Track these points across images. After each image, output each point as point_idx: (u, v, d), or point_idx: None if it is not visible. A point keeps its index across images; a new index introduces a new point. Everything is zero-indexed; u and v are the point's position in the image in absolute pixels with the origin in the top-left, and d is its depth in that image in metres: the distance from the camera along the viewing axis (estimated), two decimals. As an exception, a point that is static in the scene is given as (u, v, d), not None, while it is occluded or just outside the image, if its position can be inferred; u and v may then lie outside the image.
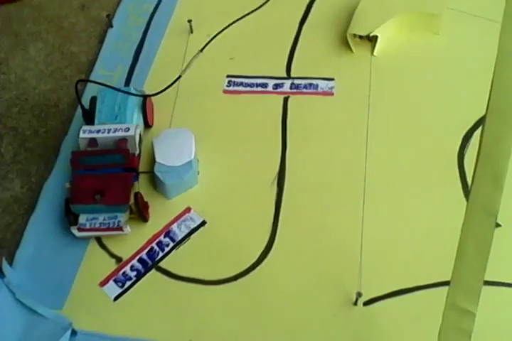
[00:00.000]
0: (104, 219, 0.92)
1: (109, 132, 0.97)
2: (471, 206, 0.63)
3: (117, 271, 0.93)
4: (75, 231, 0.92)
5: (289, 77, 1.13)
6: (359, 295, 0.86)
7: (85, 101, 1.04)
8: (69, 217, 0.94)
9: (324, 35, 1.17)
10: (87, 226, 0.92)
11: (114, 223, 0.92)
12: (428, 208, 0.94)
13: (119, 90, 1.02)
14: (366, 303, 0.88)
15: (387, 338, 0.85)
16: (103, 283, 0.92)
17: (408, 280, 0.89)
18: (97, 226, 0.92)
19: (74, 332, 0.86)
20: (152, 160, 0.99)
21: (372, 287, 0.88)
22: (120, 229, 0.92)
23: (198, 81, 1.12)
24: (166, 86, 1.06)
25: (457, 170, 0.98)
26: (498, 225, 0.91)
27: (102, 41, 1.23)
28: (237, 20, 1.22)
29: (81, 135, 0.97)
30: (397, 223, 0.94)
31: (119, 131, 0.97)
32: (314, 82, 1.11)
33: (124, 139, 0.96)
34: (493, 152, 0.60)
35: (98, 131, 0.97)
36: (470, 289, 0.66)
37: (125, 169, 0.95)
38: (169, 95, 1.09)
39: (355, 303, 0.87)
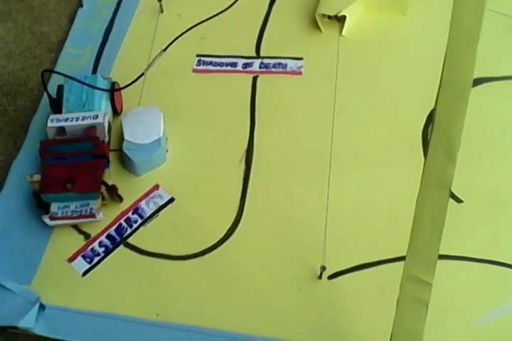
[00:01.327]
0: (76, 207, 0.92)
1: (77, 120, 0.96)
2: (426, 179, 0.65)
3: (86, 247, 0.94)
4: (46, 220, 0.92)
5: (258, 56, 1.13)
6: (323, 269, 0.88)
7: (53, 88, 1.03)
8: (40, 208, 0.93)
9: (293, 15, 1.18)
10: (59, 215, 0.91)
11: (86, 210, 0.92)
12: (392, 184, 0.96)
13: (84, 83, 1.00)
14: (331, 277, 0.90)
15: (350, 310, 0.87)
16: (71, 259, 0.93)
17: (372, 255, 0.91)
18: (69, 214, 0.92)
19: (42, 307, 0.87)
20: (121, 138, 0.99)
21: (336, 261, 0.90)
22: (93, 216, 0.92)
23: (168, 60, 1.12)
24: (134, 78, 1.04)
25: (421, 148, 1.00)
26: (460, 201, 0.94)
27: (72, 21, 1.23)
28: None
29: (49, 124, 0.96)
30: (361, 199, 0.96)
31: (87, 118, 0.96)
32: (283, 61, 1.12)
33: (92, 127, 0.96)
34: (446, 126, 0.61)
35: (66, 120, 0.96)
36: (426, 260, 0.68)
37: (95, 156, 0.94)
38: (138, 74, 1.08)
39: (320, 277, 0.89)
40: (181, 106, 1.05)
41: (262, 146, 1.02)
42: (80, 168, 0.92)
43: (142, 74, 0.99)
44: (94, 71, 1.12)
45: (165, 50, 0.99)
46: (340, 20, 1.14)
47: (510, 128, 1.03)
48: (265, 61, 1.12)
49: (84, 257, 0.93)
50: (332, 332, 0.86)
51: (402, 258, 0.86)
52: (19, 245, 0.94)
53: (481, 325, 0.86)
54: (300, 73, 1.10)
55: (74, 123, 0.95)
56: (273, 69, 1.11)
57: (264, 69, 1.11)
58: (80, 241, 0.94)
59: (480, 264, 0.91)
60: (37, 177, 0.92)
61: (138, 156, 0.95)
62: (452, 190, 0.89)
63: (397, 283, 0.71)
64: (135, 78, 1.01)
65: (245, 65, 1.12)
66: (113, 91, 1.02)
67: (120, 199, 0.95)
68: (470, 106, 1.03)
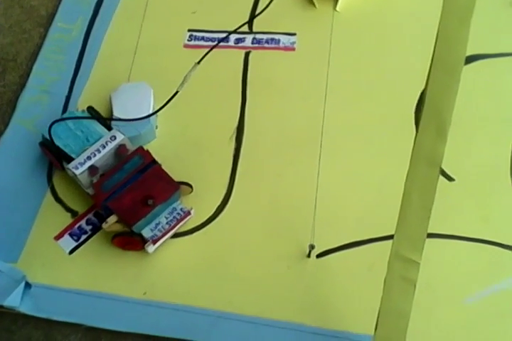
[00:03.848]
0: (167, 218, 0.87)
1: (100, 151, 0.88)
2: (415, 157, 0.64)
3: (73, 224, 0.93)
4: (150, 248, 0.86)
5: (251, 31, 1.11)
6: (312, 247, 0.87)
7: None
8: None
9: (287, -10, 1.15)
10: (159, 234, 0.86)
11: (178, 214, 0.88)
12: (383, 162, 0.95)
13: (69, 118, 0.92)
14: (319, 255, 0.89)
15: (339, 289, 0.87)
16: (58, 237, 0.92)
17: (361, 233, 0.90)
18: (166, 227, 0.86)
19: (28, 285, 0.86)
20: (110, 114, 0.98)
21: (325, 240, 0.89)
22: (188, 213, 0.88)
23: (159, 35, 1.10)
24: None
25: (414, 126, 0.98)
26: (452, 179, 0.93)
27: (62, -6, 1.20)
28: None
29: (77, 172, 0.86)
30: (351, 177, 0.95)
31: (108, 144, 0.89)
32: (276, 37, 1.10)
33: (121, 146, 0.89)
34: (438, 103, 0.60)
35: (89, 158, 0.87)
36: (414, 239, 0.67)
37: (147, 166, 0.87)
38: (128, 49, 1.07)
39: (309, 255, 0.88)
40: (172, 82, 1.02)
41: (252, 123, 1.01)
42: (145, 182, 0.86)
43: (177, 92, 0.94)
44: (84, 46, 1.10)
45: (199, 62, 0.95)
46: (335, -5, 1.12)
47: (504, 106, 1.01)
48: (258, 36, 1.10)
49: (71, 235, 0.92)
50: (321, 311, 0.85)
51: (392, 237, 0.86)
52: (5, 223, 0.93)
53: (469, 303, 0.85)
54: (293, 49, 1.08)
55: (100, 155, 0.88)
56: (266, 45, 1.09)
57: (256, 45, 1.09)
58: (67, 218, 0.93)
59: (470, 243, 0.90)
60: (113, 219, 0.85)
61: (127, 132, 0.93)
62: (444, 168, 0.89)
63: (386, 261, 0.70)
64: (170, 97, 0.95)
65: (237, 41, 1.10)
66: (107, 119, 0.96)
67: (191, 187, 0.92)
68: (464, 84, 1.02)
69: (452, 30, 0.61)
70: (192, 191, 0.93)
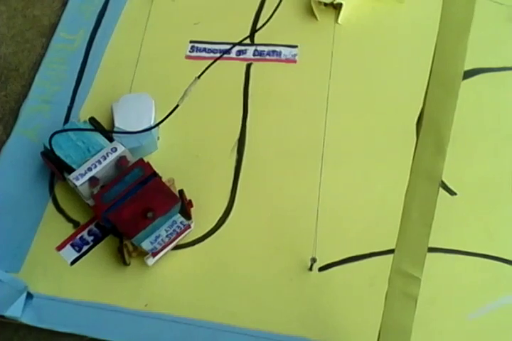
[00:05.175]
0: (167, 231, 0.87)
1: (100, 163, 0.88)
2: (415, 172, 0.64)
3: (75, 235, 0.93)
4: (149, 261, 0.87)
5: (252, 43, 1.12)
6: (313, 260, 0.87)
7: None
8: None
9: (289, 2, 1.15)
10: (158, 247, 0.86)
11: (178, 227, 0.88)
12: (385, 175, 0.95)
13: (69, 130, 0.92)
14: (321, 269, 0.89)
15: (341, 302, 0.87)
16: (60, 248, 0.92)
17: (363, 247, 0.91)
18: (166, 240, 0.86)
19: (30, 296, 0.86)
20: (111, 124, 0.98)
21: (327, 253, 0.90)
22: (188, 227, 0.88)
23: (161, 46, 1.11)
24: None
25: (415, 140, 0.98)
26: (454, 193, 0.94)
27: (65, 4, 1.20)
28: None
29: (77, 183, 0.86)
30: (353, 190, 0.95)
31: (108, 155, 0.89)
32: (278, 49, 1.10)
33: (122, 157, 0.90)
34: (436, 118, 0.60)
35: (89, 169, 0.87)
36: (415, 254, 0.67)
37: (148, 178, 0.87)
38: (130, 59, 1.08)
39: (311, 269, 0.88)
40: (173, 93, 1.03)
41: (254, 135, 1.01)
42: (145, 195, 0.86)
43: (177, 106, 0.94)
44: (86, 56, 1.11)
45: (199, 77, 0.96)
46: (337, 7, 1.12)
47: (507, 120, 1.02)
48: (259, 48, 1.11)
49: (72, 245, 0.92)
50: (322, 324, 0.85)
51: (393, 251, 0.86)
52: (7, 233, 0.93)
53: (473, 319, 0.85)
54: (294, 61, 1.09)
55: (100, 167, 0.88)
56: (267, 57, 1.10)
57: (258, 57, 1.10)
58: (68, 229, 0.93)
59: (473, 258, 0.90)
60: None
61: (128, 144, 0.94)
62: (446, 182, 0.90)
63: (388, 276, 0.71)
64: (170, 111, 0.95)
65: (239, 52, 1.10)
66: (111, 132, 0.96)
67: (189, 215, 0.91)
68: (467, 97, 1.03)
69: (450, 45, 0.62)
70: (192, 206, 0.93)
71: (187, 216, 0.90)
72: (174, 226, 0.88)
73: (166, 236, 0.87)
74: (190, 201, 0.92)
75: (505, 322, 0.86)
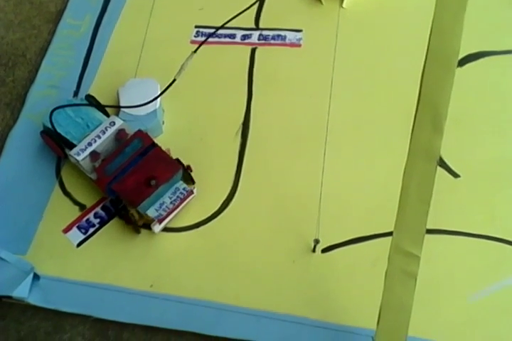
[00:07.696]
0: (171, 198, 0.89)
1: (100, 137, 0.90)
2: (412, 151, 0.64)
3: (81, 217, 0.94)
4: (156, 227, 0.89)
5: (257, 28, 1.12)
6: (316, 242, 0.88)
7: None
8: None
9: (294, -13, 1.16)
10: (164, 214, 0.88)
11: (181, 193, 0.89)
12: (387, 159, 0.95)
13: (69, 105, 0.93)
14: (324, 250, 0.90)
15: (344, 283, 0.88)
16: (66, 230, 0.93)
17: (366, 229, 0.91)
18: (170, 207, 0.88)
19: (37, 277, 0.88)
20: (117, 109, 0.99)
21: (330, 235, 0.90)
22: (191, 192, 0.90)
23: (166, 31, 1.11)
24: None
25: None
26: (457, 176, 0.94)
27: (71, -10, 1.21)
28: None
29: (79, 158, 0.88)
30: (356, 173, 0.96)
31: (107, 129, 0.90)
32: (282, 33, 1.11)
33: (121, 131, 0.91)
34: (433, 95, 0.60)
35: (90, 144, 0.89)
36: (413, 233, 0.68)
37: (147, 149, 0.89)
38: (135, 45, 1.08)
39: (314, 250, 0.89)
40: (178, 78, 1.04)
41: (258, 119, 1.02)
42: (147, 164, 0.87)
43: (174, 80, 0.94)
44: (92, 42, 1.11)
45: (195, 51, 0.96)
46: (341, -9, 1.12)
47: (510, 103, 1.02)
48: (264, 33, 1.11)
49: (79, 228, 0.93)
50: (324, 305, 0.86)
51: (396, 232, 0.87)
52: (14, 216, 0.94)
53: (474, 301, 0.86)
54: (299, 45, 1.09)
55: (100, 141, 0.90)
56: (272, 41, 1.10)
57: (262, 41, 1.10)
58: (75, 211, 0.94)
59: (475, 239, 0.90)
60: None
61: (133, 128, 0.94)
62: (449, 164, 0.90)
63: (390, 256, 0.72)
64: (167, 85, 0.95)
65: (244, 37, 1.11)
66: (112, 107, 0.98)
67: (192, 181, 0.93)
68: (470, 80, 1.03)
69: (446, 23, 0.61)
70: (192, 170, 0.93)
71: (190, 181, 0.92)
72: (177, 193, 0.90)
73: (170, 202, 0.89)
74: (189, 166, 0.92)
75: (507, 303, 0.86)
